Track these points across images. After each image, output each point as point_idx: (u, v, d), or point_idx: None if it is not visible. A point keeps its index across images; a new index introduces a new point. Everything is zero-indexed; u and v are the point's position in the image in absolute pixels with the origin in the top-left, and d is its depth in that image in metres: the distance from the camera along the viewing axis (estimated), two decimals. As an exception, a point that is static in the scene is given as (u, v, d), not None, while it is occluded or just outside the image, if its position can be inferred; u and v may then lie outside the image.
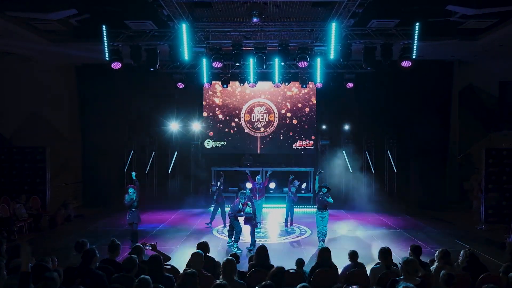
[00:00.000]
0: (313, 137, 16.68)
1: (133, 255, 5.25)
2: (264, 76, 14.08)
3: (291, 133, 16.76)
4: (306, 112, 16.72)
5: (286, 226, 12.10)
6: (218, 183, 12.28)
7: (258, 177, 12.48)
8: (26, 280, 4.07)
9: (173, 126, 16.28)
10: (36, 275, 4.81)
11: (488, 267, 5.86)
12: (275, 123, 16.80)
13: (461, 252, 5.88)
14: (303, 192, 14.88)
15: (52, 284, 4.23)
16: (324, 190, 9.74)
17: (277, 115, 16.78)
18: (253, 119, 16.81)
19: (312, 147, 16.68)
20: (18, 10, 10.02)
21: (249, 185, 12.49)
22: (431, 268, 5.66)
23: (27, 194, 12.47)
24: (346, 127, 16.30)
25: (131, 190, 9.57)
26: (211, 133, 16.71)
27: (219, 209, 12.17)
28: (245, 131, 16.83)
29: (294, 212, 12.44)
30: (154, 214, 13.82)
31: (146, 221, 12.42)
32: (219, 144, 16.82)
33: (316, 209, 9.96)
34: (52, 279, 4.25)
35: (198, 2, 9.52)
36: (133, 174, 9.81)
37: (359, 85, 14.58)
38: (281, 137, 16.79)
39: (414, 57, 10.57)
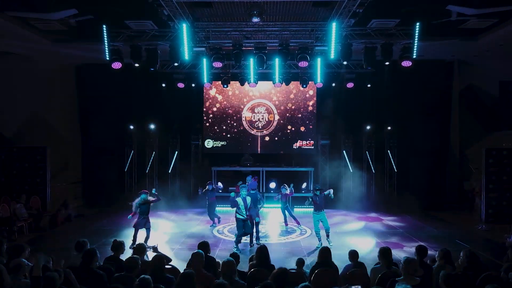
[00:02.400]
0: (313, 137, 16.69)
1: (135, 255, 5.26)
2: (265, 76, 14.07)
3: (291, 133, 16.76)
4: (306, 112, 16.72)
5: (286, 225, 12.18)
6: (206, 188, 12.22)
7: (248, 178, 12.43)
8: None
9: (173, 126, 16.27)
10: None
11: (488, 267, 5.85)
12: (275, 123, 16.80)
13: (461, 252, 5.87)
14: (303, 192, 14.90)
15: (52, 284, 4.23)
16: (318, 192, 9.99)
17: (277, 115, 16.78)
18: (254, 118, 16.82)
19: (312, 147, 16.68)
20: (18, 10, 10.02)
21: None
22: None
23: (27, 194, 12.46)
24: (346, 127, 16.28)
25: (144, 196, 9.54)
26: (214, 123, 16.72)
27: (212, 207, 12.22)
28: (246, 130, 16.83)
29: (293, 212, 12.48)
30: (154, 213, 13.81)
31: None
32: (219, 144, 16.83)
33: (312, 211, 10.12)
34: (52, 279, 4.25)
35: (198, 2, 9.51)
36: (153, 190, 10.40)
37: (359, 85, 14.58)
38: (281, 137, 16.79)
39: (414, 57, 10.56)
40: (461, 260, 5.76)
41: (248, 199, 9.65)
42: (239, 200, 9.55)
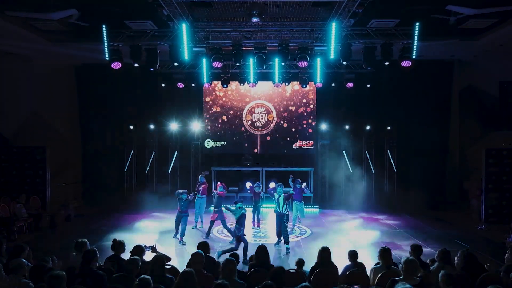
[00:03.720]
0: (312, 137, 16.68)
1: (135, 256, 5.26)
2: (264, 76, 14.07)
3: (291, 133, 16.74)
4: (306, 112, 16.71)
5: (253, 225, 12.03)
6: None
7: (201, 176, 12.27)
8: None
9: (173, 126, 16.27)
10: (36, 275, 4.81)
11: (488, 267, 5.85)
12: (274, 123, 16.79)
13: (459, 253, 5.87)
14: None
15: (57, 283, 4.20)
16: (298, 185, 11.65)
17: (276, 115, 16.77)
18: (254, 118, 16.81)
19: (312, 147, 16.67)
20: (18, 10, 10.01)
21: (248, 184, 12.49)
22: (431, 268, 5.66)
23: (27, 194, 12.44)
24: (346, 127, 16.29)
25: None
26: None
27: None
28: (246, 130, 16.82)
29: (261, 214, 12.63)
30: (154, 214, 13.83)
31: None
32: (219, 144, 16.82)
33: (295, 201, 11.65)
34: (57, 278, 4.21)
35: (198, 2, 9.51)
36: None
37: (359, 85, 14.57)
38: (281, 137, 16.77)
39: (414, 57, 10.57)
40: (459, 261, 5.77)
41: (282, 197, 10.10)
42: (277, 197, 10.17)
